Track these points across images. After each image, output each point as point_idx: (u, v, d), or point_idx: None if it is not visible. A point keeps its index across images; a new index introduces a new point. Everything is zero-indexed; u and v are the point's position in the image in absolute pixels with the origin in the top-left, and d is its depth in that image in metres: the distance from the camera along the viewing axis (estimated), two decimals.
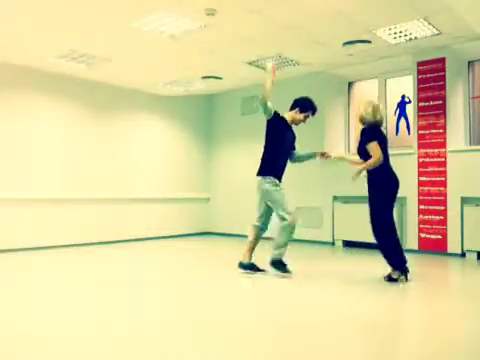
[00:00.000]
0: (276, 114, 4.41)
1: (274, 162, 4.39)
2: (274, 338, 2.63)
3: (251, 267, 4.41)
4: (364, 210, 6.31)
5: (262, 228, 4.47)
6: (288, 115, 4.51)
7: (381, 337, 2.63)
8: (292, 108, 4.53)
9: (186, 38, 5.27)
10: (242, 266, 4.42)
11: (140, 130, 7.81)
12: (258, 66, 6.50)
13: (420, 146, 5.99)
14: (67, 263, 5.45)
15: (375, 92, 6.84)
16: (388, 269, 4.15)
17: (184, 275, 4.66)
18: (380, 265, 5.25)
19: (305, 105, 4.49)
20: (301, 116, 4.48)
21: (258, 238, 4.48)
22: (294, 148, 4.60)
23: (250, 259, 4.44)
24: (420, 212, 5.94)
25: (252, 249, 4.46)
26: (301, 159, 4.67)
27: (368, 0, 4.34)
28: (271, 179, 4.32)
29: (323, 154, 4.55)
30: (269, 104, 4.30)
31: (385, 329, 2.77)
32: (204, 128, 8.77)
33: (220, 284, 4.16)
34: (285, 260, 4.32)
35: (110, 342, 2.53)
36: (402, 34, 5.23)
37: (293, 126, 4.55)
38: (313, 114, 4.52)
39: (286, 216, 4.19)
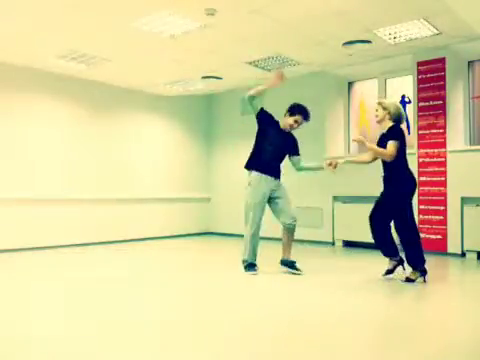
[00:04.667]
0: (262, 110, 4.61)
1: (257, 157, 4.55)
2: (274, 338, 2.63)
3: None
4: (364, 210, 6.32)
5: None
6: (281, 120, 4.62)
7: (381, 337, 2.63)
8: (285, 113, 4.62)
9: (186, 38, 5.27)
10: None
11: (140, 130, 7.81)
12: (257, 66, 6.51)
13: (420, 146, 5.99)
14: (67, 263, 5.45)
15: (375, 92, 6.84)
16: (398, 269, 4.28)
17: (185, 275, 4.65)
18: (379, 265, 5.25)
19: (293, 109, 4.54)
20: (290, 120, 4.50)
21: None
22: (295, 153, 4.65)
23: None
24: (420, 212, 5.94)
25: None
26: (308, 169, 4.82)
27: (368, 0, 4.34)
28: (252, 174, 4.54)
29: (330, 164, 4.45)
30: (255, 101, 4.51)
31: (385, 329, 2.77)
32: (204, 128, 8.78)
33: (221, 284, 4.17)
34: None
35: (110, 342, 2.53)
36: (402, 34, 5.23)
37: (292, 131, 4.63)
38: (305, 119, 4.52)
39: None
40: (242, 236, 8.01)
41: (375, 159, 4.41)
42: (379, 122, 4.33)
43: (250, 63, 6.39)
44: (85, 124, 7.06)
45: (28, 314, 3.12)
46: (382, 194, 4.30)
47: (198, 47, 5.65)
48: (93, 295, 3.68)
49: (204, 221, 8.62)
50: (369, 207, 6.44)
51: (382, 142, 4.24)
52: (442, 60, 5.84)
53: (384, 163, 4.27)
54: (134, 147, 7.70)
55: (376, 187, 6.40)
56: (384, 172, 4.31)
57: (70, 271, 4.86)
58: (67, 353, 2.35)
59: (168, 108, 8.21)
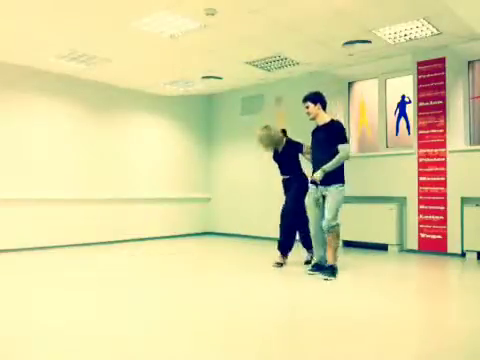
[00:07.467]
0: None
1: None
2: (274, 338, 2.63)
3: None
4: (363, 210, 6.34)
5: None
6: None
7: (380, 337, 2.63)
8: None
9: (186, 38, 5.27)
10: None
11: (140, 130, 7.81)
12: (257, 66, 6.51)
13: (420, 146, 5.99)
14: (67, 263, 5.45)
15: (375, 92, 6.85)
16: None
17: (184, 275, 4.66)
18: (381, 265, 5.26)
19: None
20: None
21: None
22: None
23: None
24: (420, 212, 5.94)
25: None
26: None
27: (368, 0, 4.34)
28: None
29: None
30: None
31: (384, 329, 2.77)
32: (204, 128, 8.77)
33: (220, 284, 4.17)
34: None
35: (110, 342, 2.53)
36: (402, 34, 5.23)
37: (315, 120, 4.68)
38: (303, 102, 4.57)
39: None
40: (242, 236, 8.05)
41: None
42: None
43: (250, 63, 6.39)
44: (85, 124, 7.06)
45: (28, 314, 3.12)
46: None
47: (198, 47, 5.65)
48: (93, 295, 3.68)
49: (204, 221, 8.61)
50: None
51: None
52: (442, 60, 5.84)
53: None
54: (134, 147, 7.70)
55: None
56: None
57: (70, 271, 4.86)
58: (67, 353, 2.35)
59: (168, 108, 8.21)
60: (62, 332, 2.69)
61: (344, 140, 4.40)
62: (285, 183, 5.06)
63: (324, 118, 4.51)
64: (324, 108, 4.55)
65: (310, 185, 4.55)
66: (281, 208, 4.93)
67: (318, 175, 4.31)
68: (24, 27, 4.94)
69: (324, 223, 4.32)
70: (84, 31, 5.09)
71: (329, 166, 4.31)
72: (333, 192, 4.34)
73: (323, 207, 4.42)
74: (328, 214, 4.30)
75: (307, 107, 4.51)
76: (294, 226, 4.90)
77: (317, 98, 4.51)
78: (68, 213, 6.71)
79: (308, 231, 4.78)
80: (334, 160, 4.31)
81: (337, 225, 4.33)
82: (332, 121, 4.52)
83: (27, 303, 3.43)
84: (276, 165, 5.14)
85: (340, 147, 4.34)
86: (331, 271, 4.28)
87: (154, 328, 2.78)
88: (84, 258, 5.79)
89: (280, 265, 4.78)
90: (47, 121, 6.65)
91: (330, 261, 4.33)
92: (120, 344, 2.49)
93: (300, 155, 5.01)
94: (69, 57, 5.96)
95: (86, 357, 2.29)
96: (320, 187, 4.42)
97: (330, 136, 4.40)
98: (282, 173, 5.08)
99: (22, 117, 6.37)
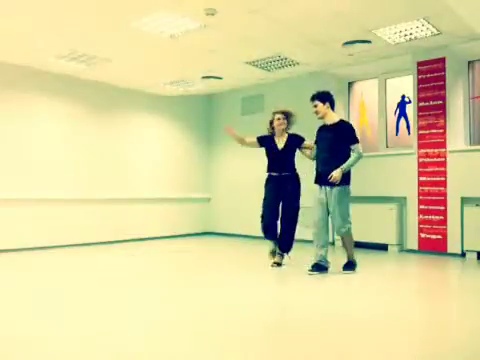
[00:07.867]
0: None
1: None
2: (273, 338, 2.63)
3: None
4: (363, 210, 6.32)
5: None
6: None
7: (380, 337, 2.63)
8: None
9: (186, 38, 5.27)
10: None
11: (140, 130, 7.81)
12: (257, 66, 6.51)
13: (420, 146, 5.99)
14: (67, 263, 5.45)
15: (375, 92, 6.84)
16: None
17: (184, 275, 4.66)
18: (381, 265, 5.26)
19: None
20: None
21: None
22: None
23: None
24: (420, 212, 5.94)
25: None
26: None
27: (368, 0, 4.34)
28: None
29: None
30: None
31: (384, 329, 2.77)
32: (204, 128, 8.77)
33: (220, 284, 4.16)
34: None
35: (110, 342, 2.53)
36: (402, 34, 5.23)
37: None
38: (311, 100, 4.56)
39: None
40: (242, 236, 8.05)
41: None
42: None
43: (250, 63, 6.39)
44: (85, 124, 7.06)
45: (28, 314, 3.12)
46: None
47: (198, 47, 5.65)
48: (93, 295, 3.68)
49: (204, 221, 8.61)
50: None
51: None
52: (442, 60, 5.83)
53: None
54: (134, 147, 7.70)
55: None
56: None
57: (70, 271, 4.86)
58: (67, 353, 2.35)
59: (168, 108, 8.21)
60: (62, 332, 2.69)
61: (355, 140, 4.42)
62: (279, 180, 4.80)
63: (333, 117, 4.50)
64: (332, 107, 4.53)
65: (315, 185, 4.55)
66: (282, 209, 4.84)
67: (337, 175, 4.27)
68: (24, 27, 4.94)
69: (336, 229, 4.43)
70: (84, 31, 5.09)
71: (347, 166, 4.32)
72: (339, 194, 4.34)
73: (327, 206, 4.43)
74: (338, 220, 4.36)
75: (315, 106, 4.48)
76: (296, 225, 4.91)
77: (326, 97, 4.49)
78: (68, 213, 6.71)
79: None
80: (350, 160, 4.34)
81: (349, 229, 4.41)
82: (341, 121, 4.53)
83: (27, 303, 3.43)
84: (267, 160, 4.95)
85: (353, 147, 4.38)
86: (352, 266, 4.49)
87: (154, 328, 2.78)
88: (84, 258, 5.79)
89: (278, 265, 4.77)
90: (47, 121, 6.65)
91: (350, 256, 4.52)
92: (120, 344, 2.49)
93: (298, 151, 4.90)
94: (69, 57, 5.96)
95: (86, 357, 2.29)
96: (325, 187, 4.41)
97: (339, 136, 4.38)
98: (279, 169, 4.81)
99: (22, 117, 6.37)
